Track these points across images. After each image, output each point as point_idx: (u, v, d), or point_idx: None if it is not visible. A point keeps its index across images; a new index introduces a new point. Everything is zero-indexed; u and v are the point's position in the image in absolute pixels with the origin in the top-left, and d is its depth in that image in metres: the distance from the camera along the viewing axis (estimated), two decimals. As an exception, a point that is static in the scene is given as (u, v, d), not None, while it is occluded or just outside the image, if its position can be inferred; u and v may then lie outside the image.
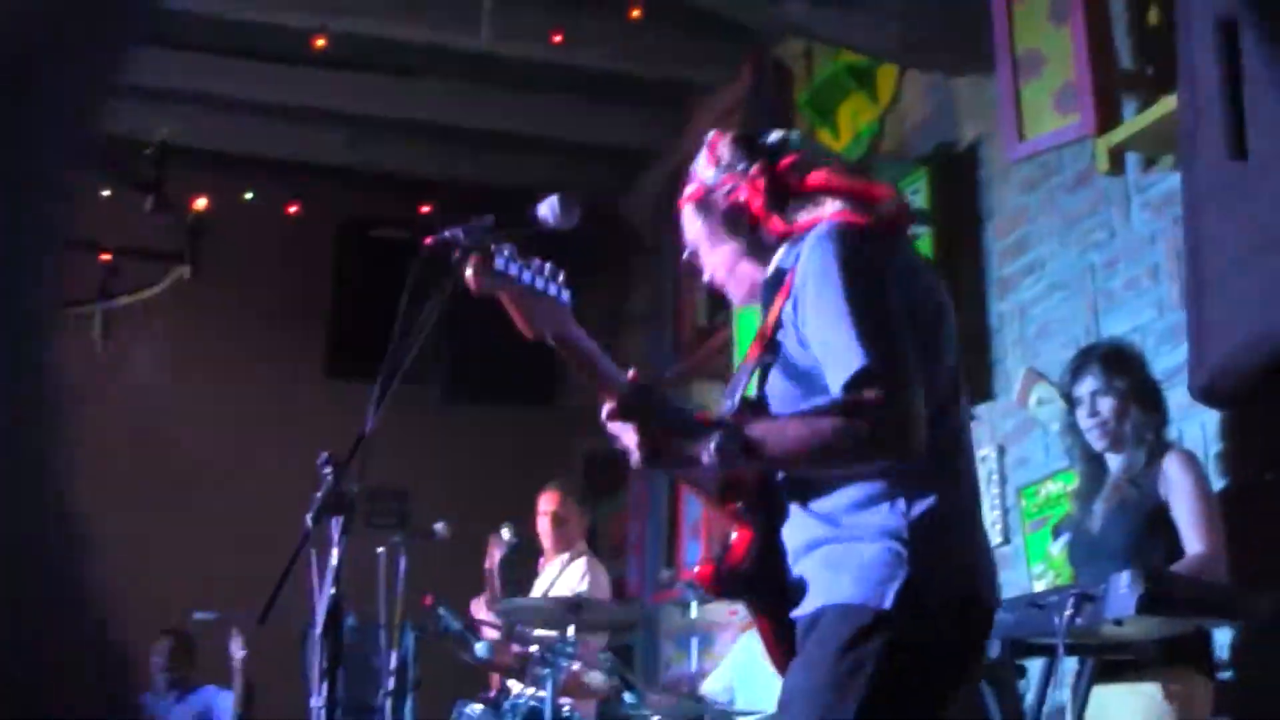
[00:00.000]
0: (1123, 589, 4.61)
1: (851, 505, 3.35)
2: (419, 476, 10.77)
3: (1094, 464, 5.75)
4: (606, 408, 3.35)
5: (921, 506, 3.31)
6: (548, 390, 12.02)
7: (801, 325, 3.36)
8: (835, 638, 3.26)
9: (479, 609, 7.92)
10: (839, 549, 3.34)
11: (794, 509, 3.47)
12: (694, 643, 8.08)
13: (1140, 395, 5.61)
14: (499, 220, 3.84)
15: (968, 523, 3.47)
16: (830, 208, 3.50)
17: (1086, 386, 5.66)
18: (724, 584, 3.62)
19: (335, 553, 3.74)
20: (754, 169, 3.67)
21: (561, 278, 3.60)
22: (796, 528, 3.47)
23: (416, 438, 9.55)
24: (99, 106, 1.28)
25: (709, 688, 7.39)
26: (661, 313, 11.49)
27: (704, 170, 3.79)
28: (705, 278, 3.86)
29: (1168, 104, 6.09)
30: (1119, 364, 5.67)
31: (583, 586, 7.94)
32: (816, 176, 3.61)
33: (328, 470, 3.77)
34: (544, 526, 8.44)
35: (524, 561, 8.36)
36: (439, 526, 7.85)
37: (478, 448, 12.10)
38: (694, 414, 3.47)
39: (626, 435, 3.33)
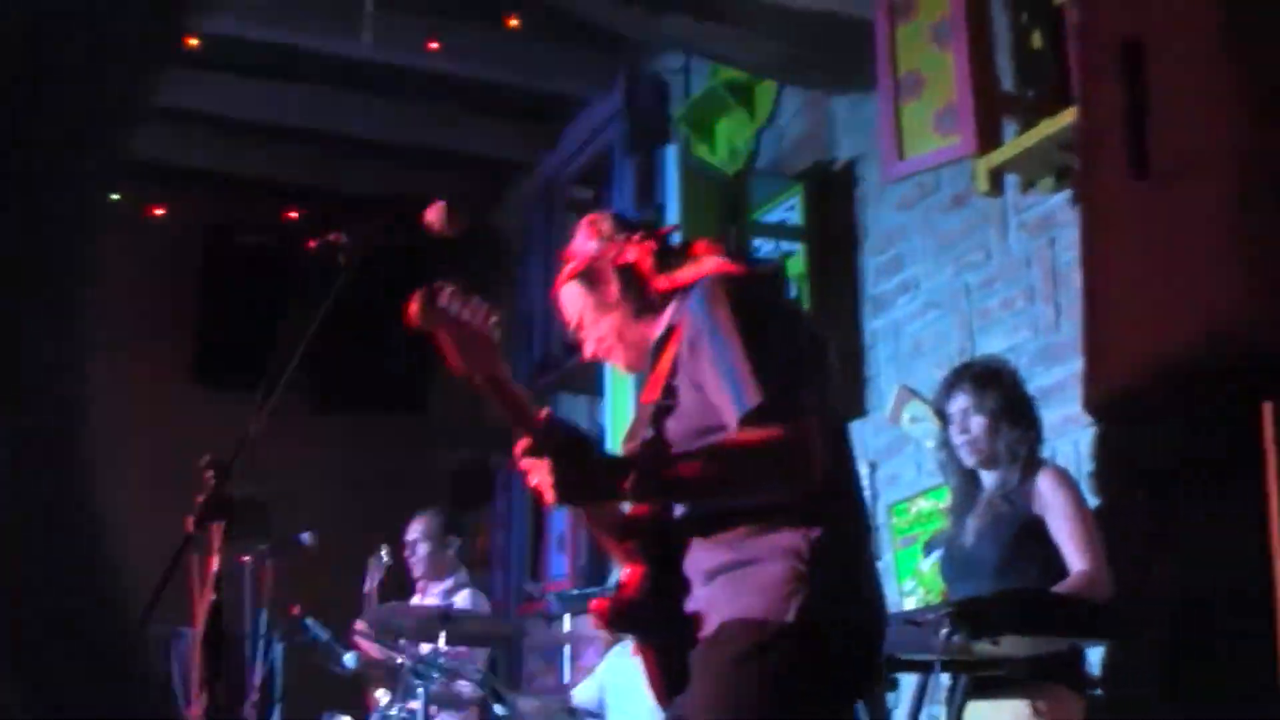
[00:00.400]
0: (1000, 608, 4.66)
1: (751, 531, 3.44)
2: (286, 485, 10.65)
3: (967, 481, 5.76)
4: (520, 445, 3.39)
5: (819, 530, 3.41)
6: (417, 402, 11.97)
7: (695, 369, 3.47)
8: (736, 649, 3.34)
9: (363, 629, 7.83)
10: (741, 571, 3.43)
11: (694, 541, 3.55)
12: (564, 655, 8.06)
13: (1013, 413, 5.62)
14: (385, 225, 3.82)
15: (861, 547, 3.61)
16: (710, 263, 3.66)
17: (959, 404, 5.67)
18: (617, 618, 3.72)
19: (216, 558, 3.70)
20: (638, 234, 3.79)
21: (494, 319, 3.62)
22: (698, 557, 3.54)
23: (285, 446, 9.45)
24: (127, 132, 1.25)
25: (579, 700, 7.36)
26: (530, 325, 11.45)
27: (585, 245, 3.84)
28: (588, 352, 3.93)
29: (1048, 127, 6.15)
30: (993, 382, 5.68)
31: None
32: (699, 245, 3.80)
33: (210, 474, 3.72)
34: (411, 555, 8.44)
35: (399, 586, 8.31)
36: (305, 536, 7.77)
37: (346, 458, 11.98)
38: (607, 452, 3.51)
39: (540, 473, 3.36)
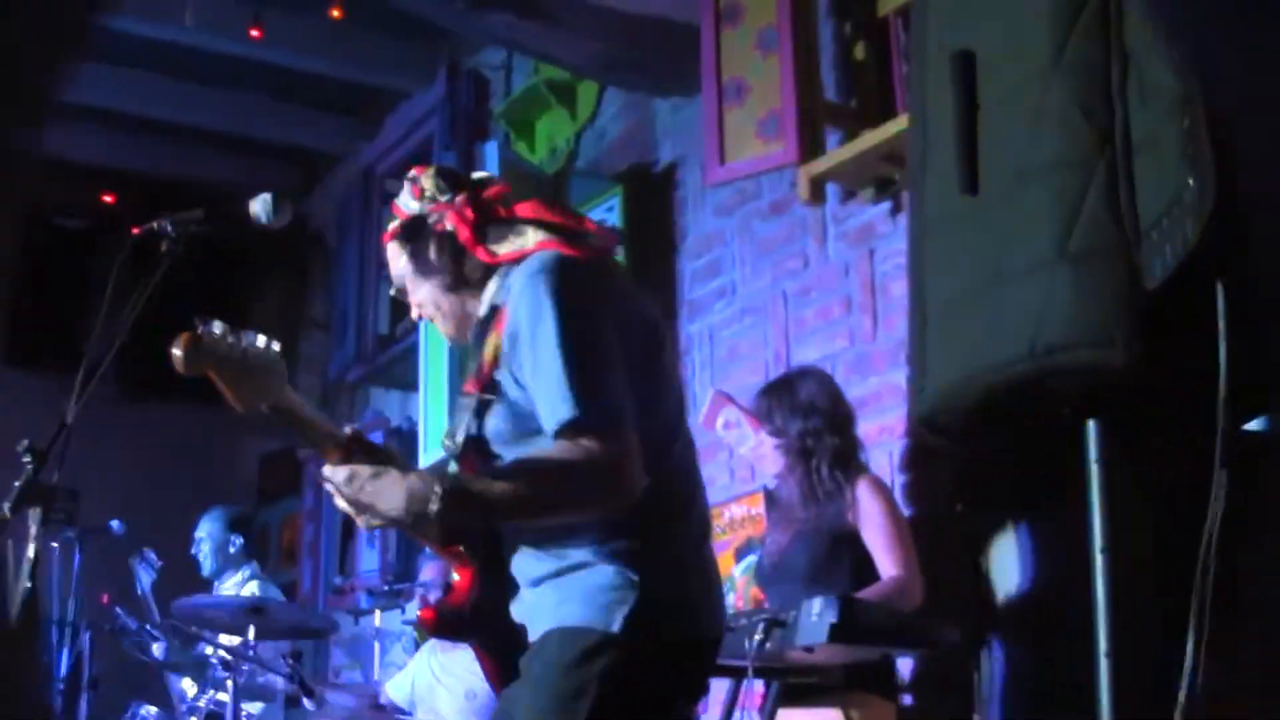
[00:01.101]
0: (814, 616, 4.65)
1: (581, 538, 3.32)
2: (94, 473, 10.43)
3: (782, 487, 5.78)
4: (325, 469, 3.28)
5: (651, 536, 3.32)
6: (226, 391, 11.83)
7: (517, 366, 3.31)
8: (561, 659, 3.25)
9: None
10: (566, 578, 3.34)
11: (522, 545, 3.44)
12: (374, 651, 8.03)
13: (829, 422, 5.63)
14: (208, 214, 3.78)
15: (696, 552, 3.49)
16: (535, 238, 3.45)
17: (775, 411, 5.69)
18: (446, 626, 3.63)
19: (32, 545, 3.64)
20: (460, 199, 3.57)
21: (276, 347, 3.46)
22: (526, 562, 3.44)
23: (91, 434, 9.26)
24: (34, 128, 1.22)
25: (391, 697, 7.33)
26: (344, 318, 11.37)
27: (408, 203, 3.64)
28: (414, 315, 3.76)
29: (870, 138, 6.21)
30: (808, 391, 5.70)
31: None
32: (525, 207, 3.55)
33: (27, 459, 3.67)
34: (198, 553, 8.55)
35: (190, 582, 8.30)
36: (115, 524, 7.69)
37: (154, 446, 11.82)
38: (413, 471, 3.35)
39: (343, 497, 3.26)
